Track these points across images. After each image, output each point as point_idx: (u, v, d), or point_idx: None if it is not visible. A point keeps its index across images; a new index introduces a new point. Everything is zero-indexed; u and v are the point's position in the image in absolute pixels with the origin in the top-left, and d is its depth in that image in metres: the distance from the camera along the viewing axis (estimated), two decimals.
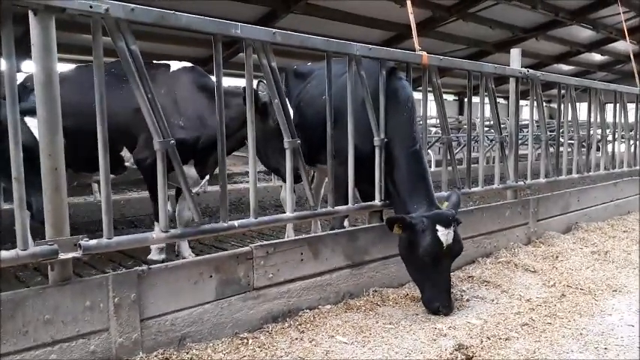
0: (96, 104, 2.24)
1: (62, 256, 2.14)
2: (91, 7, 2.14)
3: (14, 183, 2.05)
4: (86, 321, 2.21)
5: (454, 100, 23.99)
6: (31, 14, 2.08)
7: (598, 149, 6.12)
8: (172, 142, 2.46)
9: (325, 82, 3.20)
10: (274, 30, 2.87)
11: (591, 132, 6.02)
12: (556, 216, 5.17)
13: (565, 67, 19.00)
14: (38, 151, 2.16)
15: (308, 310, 2.99)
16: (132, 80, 2.35)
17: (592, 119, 6.06)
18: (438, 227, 3.02)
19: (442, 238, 3.01)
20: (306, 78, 4.43)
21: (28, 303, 2.08)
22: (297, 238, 3.13)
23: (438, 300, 3.04)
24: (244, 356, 2.45)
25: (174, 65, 3.89)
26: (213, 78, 2.74)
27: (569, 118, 5.72)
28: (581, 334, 2.76)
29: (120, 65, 2.39)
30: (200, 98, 3.76)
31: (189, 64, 3.95)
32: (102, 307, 2.26)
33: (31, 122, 2.86)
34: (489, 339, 2.66)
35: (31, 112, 2.33)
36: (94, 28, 2.22)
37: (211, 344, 2.54)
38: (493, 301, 3.27)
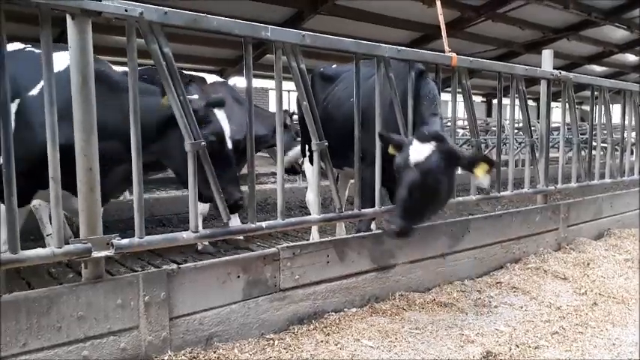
0: (130, 106, 2.28)
1: (95, 254, 2.19)
2: (126, 10, 2.19)
3: (51, 182, 2.10)
4: (117, 318, 2.26)
5: (482, 101, 23.67)
6: (68, 18, 2.13)
7: (632, 153, 5.94)
8: (203, 143, 2.50)
9: (352, 85, 3.19)
10: (303, 32, 2.88)
11: (625, 135, 5.86)
12: (588, 222, 5.04)
13: (598, 68, 18.53)
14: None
15: (333, 313, 2.99)
16: (164, 82, 2.38)
17: (626, 122, 5.90)
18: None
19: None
20: (333, 81, 4.43)
21: (63, 299, 2.13)
22: (323, 240, 3.13)
23: None
24: (270, 357, 2.47)
25: (210, 78, 4.42)
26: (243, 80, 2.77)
27: (603, 121, 5.58)
28: (613, 344, 2.69)
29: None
30: (237, 108, 4.16)
31: (220, 79, 4.47)
32: (132, 305, 2.30)
33: (220, 115, 2.94)
34: (518, 347, 2.62)
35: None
36: (128, 31, 2.27)
37: (238, 344, 2.56)
38: (522, 308, 3.21)
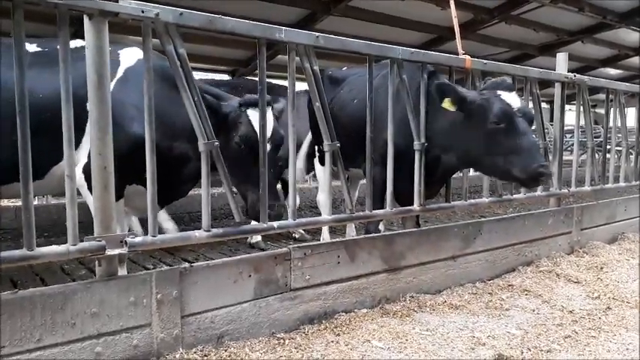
0: (144, 106, 2.31)
1: (109, 252, 2.21)
2: (142, 11, 2.21)
3: (66, 180, 2.13)
4: (130, 316, 2.28)
5: None
6: (85, 18, 2.16)
7: None
8: (216, 143, 2.51)
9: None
10: (317, 34, 2.89)
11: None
12: (601, 225, 4.99)
13: (612, 71, 18.30)
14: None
15: (344, 313, 2.99)
16: (179, 83, 2.41)
17: None
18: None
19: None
20: (340, 83, 4.44)
21: (77, 296, 2.15)
22: (334, 240, 3.13)
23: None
24: (281, 356, 2.48)
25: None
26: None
27: (617, 124, 5.52)
28: (627, 349, 2.66)
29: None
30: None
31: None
32: (145, 302, 2.32)
33: (254, 115, 2.97)
34: (530, 350, 2.60)
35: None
36: (144, 32, 2.29)
37: (249, 343, 2.58)
38: (534, 311, 3.19)
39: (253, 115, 2.95)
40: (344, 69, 4.80)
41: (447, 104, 3.17)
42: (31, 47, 2.98)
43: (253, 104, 2.92)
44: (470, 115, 3.25)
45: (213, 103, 2.99)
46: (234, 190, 2.95)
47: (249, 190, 3.01)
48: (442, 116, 3.44)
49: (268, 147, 2.87)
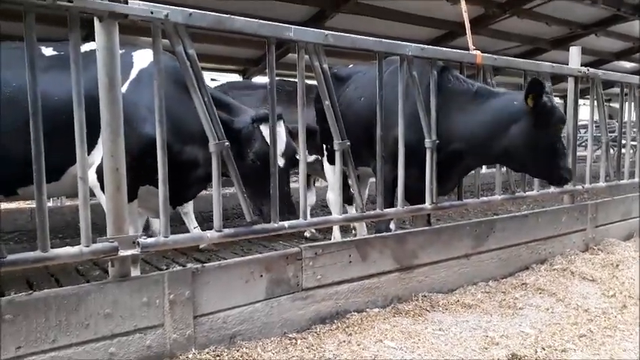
0: (155, 108, 2.32)
1: (122, 253, 2.23)
2: (152, 12, 2.22)
3: (79, 182, 2.15)
4: (143, 316, 2.29)
5: None
6: (96, 20, 2.17)
7: None
8: (227, 144, 2.52)
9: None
10: (326, 32, 2.87)
11: None
12: (616, 222, 4.92)
13: (627, 65, 18.03)
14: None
15: (356, 313, 2.98)
16: (189, 83, 2.41)
17: None
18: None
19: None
20: (346, 82, 4.42)
21: (91, 297, 2.17)
22: (345, 240, 3.12)
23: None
24: (293, 356, 2.48)
25: None
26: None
27: (632, 119, 5.43)
28: None
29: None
30: None
31: None
32: (158, 303, 2.33)
33: (265, 131, 3.00)
34: (544, 350, 2.57)
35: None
36: (154, 33, 2.30)
37: (261, 343, 2.58)
38: (548, 310, 3.15)
39: (266, 131, 2.94)
40: (350, 67, 4.78)
41: (529, 100, 3.27)
42: (48, 51, 3.01)
43: (266, 120, 2.90)
44: (537, 116, 3.31)
45: (225, 119, 2.96)
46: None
47: (264, 204, 3.00)
48: (474, 113, 3.46)
49: (282, 162, 2.92)
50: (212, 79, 6.49)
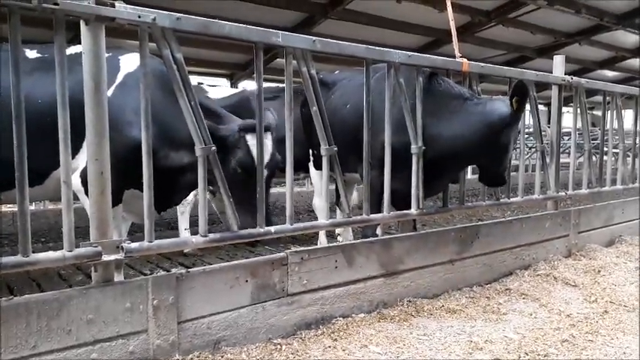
0: (141, 111, 2.30)
1: (105, 257, 2.21)
2: (139, 16, 2.21)
3: (63, 186, 2.12)
4: (126, 322, 2.27)
5: None
6: (82, 24, 2.16)
7: None
8: (213, 148, 2.51)
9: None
10: (314, 38, 2.88)
11: (637, 141, 5.80)
12: (598, 228, 5.00)
13: (609, 73, 18.37)
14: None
15: (341, 318, 2.98)
16: (176, 87, 2.40)
17: (638, 128, 5.84)
18: None
19: None
20: (331, 88, 4.43)
21: (73, 302, 2.14)
22: (331, 245, 3.13)
23: None
24: None
25: None
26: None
27: (614, 127, 5.53)
28: (624, 353, 2.66)
29: None
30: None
31: None
32: (141, 308, 2.31)
33: (251, 141, 2.96)
34: (527, 355, 2.60)
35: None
36: (141, 37, 2.29)
37: (245, 349, 2.57)
38: (531, 315, 3.18)
39: (252, 141, 2.92)
40: (336, 73, 4.79)
41: (514, 103, 3.40)
42: (32, 53, 2.98)
43: (252, 129, 2.88)
44: (511, 120, 3.44)
45: (211, 126, 2.91)
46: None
47: (240, 213, 2.94)
48: (459, 117, 3.50)
49: (266, 172, 2.89)
50: (199, 83, 6.43)
